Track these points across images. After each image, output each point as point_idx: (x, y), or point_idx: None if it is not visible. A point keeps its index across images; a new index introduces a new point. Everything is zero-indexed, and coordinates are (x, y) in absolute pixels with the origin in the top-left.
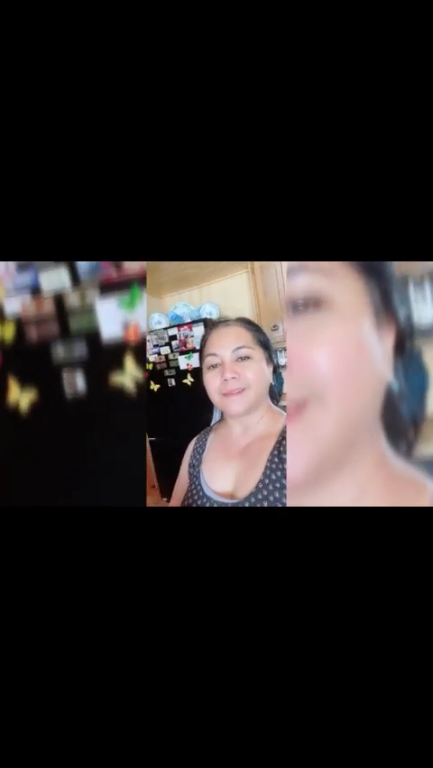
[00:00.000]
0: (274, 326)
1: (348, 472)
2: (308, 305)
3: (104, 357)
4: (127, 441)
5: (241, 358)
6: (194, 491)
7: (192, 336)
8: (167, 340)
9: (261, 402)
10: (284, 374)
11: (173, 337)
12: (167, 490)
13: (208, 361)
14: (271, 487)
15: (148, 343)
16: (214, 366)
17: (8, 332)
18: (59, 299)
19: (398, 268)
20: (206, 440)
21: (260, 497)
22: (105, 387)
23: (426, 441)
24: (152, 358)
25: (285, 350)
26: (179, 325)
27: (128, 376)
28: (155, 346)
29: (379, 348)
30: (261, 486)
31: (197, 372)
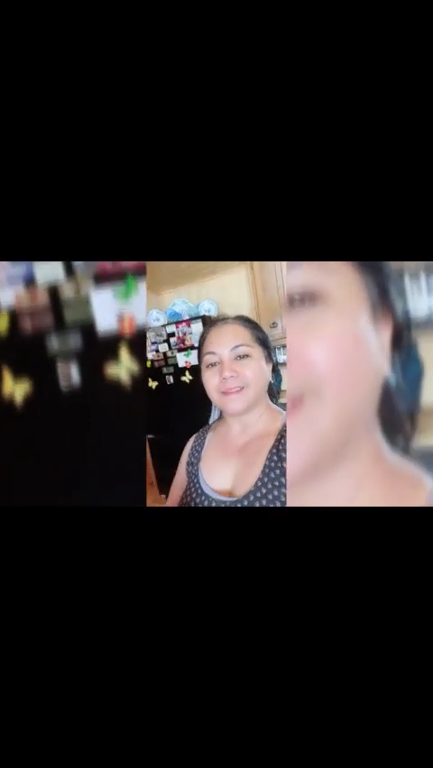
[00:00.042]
0: (273, 324)
1: (345, 467)
2: (304, 299)
3: (99, 349)
4: (127, 440)
5: (240, 356)
6: (192, 489)
7: (191, 333)
8: (165, 337)
9: (260, 400)
10: (283, 372)
11: (171, 334)
12: (165, 487)
13: (207, 359)
14: (269, 485)
15: (147, 340)
16: (212, 364)
17: (2, 323)
18: (53, 290)
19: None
20: (204, 438)
21: (258, 495)
22: (101, 379)
23: (422, 433)
24: (150, 355)
25: (284, 347)
26: (177, 322)
27: (123, 368)
28: (153, 343)
29: (376, 342)
30: (259, 484)
31: (195, 370)
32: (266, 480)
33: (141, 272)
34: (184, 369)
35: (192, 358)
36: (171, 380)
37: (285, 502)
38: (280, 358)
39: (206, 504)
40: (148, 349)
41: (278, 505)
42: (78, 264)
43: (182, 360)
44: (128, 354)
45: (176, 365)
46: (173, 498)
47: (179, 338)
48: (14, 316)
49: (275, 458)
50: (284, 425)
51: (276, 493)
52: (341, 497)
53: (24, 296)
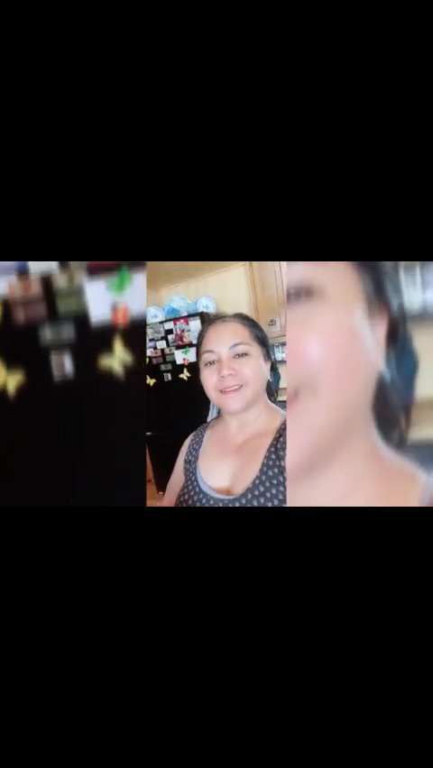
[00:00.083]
0: (271, 321)
1: (341, 461)
2: (300, 294)
3: (93, 339)
4: (126, 437)
5: (238, 354)
6: (190, 487)
7: (189, 330)
8: (163, 334)
9: (258, 399)
10: (281, 370)
11: (169, 331)
12: (163, 485)
13: (205, 357)
14: (267, 483)
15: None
16: (211, 363)
17: None
18: (46, 281)
19: None
20: (202, 436)
21: (256, 493)
22: (94, 370)
23: (416, 425)
24: (147, 352)
25: (283, 345)
26: (175, 319)
27: (117, 359)
28: (151, 340)
29: (371, 337)
30: (257, 482)
31: (193, 367)
32: (264, 478)
33: (136, 264)
34: (182, 366)
35: (190, 355)
36: (169, 377)
37: (283, 500)
38: (279, 356)
39: (204, 502)
40: (146, 345)
41: (276, 503)
42: None
43: (180, 357)
44: (122, 345)
45: (174, 362)
46: (170, 497)
47: (176, 335)
48: (7, 306)
49: (273, 456)
50: (282, 424)
51: (274, 491)
52: (337, 492)
53: (17, 285)
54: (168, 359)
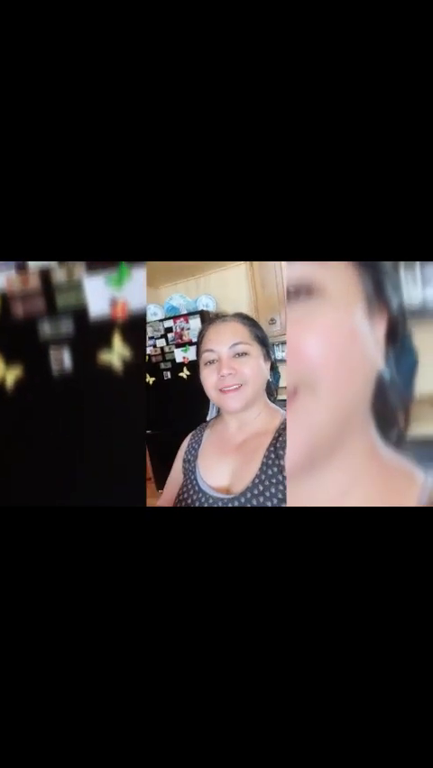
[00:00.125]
0: (272, 320)
1: (340, 460)
2: (300, 292)
3: (91, 334)
4: (125, 434)
5: (238, 354)
6: (189, 486)
7: (188, 329)
8: (162, 332)
9: (258, 398)
10: (281, 369)
11: (169, 329)
12: (162, 483)
13: (205, 356)
14: (267, 482)
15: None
16: (211, 362)
17: None
18: (45, 275)
19: None
20: (201, 435)
21: (256, 492)
22: (93, 365)
23: (415, 423)
24: (147, 350)
25: (283, 344)
26: (174, 317)
27: (116, 354)
28: (150, 338)
29: (371, 336)
30: (257, 481)
31: (193, 366)
32: (263, 477)
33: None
34: (182, 364)
35: (190, 354)
36: (169, 376)
37: (283, 499)
38: (279, 355)
39: (203, 500)
40: (146, 343)
41: (275, 502)
42: None
43: (180, 355)
44: (121, 340)
45: (173, 360)
46: (168, 497)
47: (176, 333)
48: (6, 301)
49: (273, 455)
50: (282, 424)
51: (273, 490)
52: (336, 490)
53: (16, 280)
54: (167, 357)
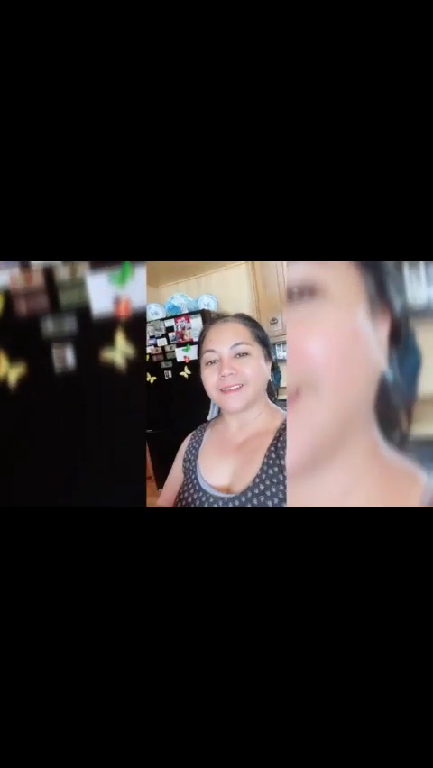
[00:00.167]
0: (273, 320)
1: (342, 460)
2: (302, 293)
3: (94, 332)
4: (126, 434)
5: (239, 354)
6: (190, 485)
7: (189, 328)
8: (164, 331)
9: (258, 398)
10: (282, 369)
11: (170, 329)
12: (163, 482)
13: (206, 356)
14: (267, 482)
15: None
16: (212, 362)
17: None
18: (48, 273)
19: None
20: (202, 435)
21: (256, 491)
22: (96, 362)
23: (418, 422)
24: (148, 349)
25: (284, 344)
26: (176, 317)
27: (119, 352)
28: (151, 337)
29: (373, 337)
30: (257, 481)
31: (194, 365)
32: (264, 476)
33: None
34: (183, 364)
35: (191, 353)
36: (170, 375)
37: (283, 498)
38: (280, 355)
39: (203, 500)
40: (146, 342)
41: (276, 501)
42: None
43: (181, 355)
44: (124, 338)
45: (174, 359)
46: (168, 496)
47: (177, 333)
48: (9, 298)
49: (273, 455)
50: (282, 424)
51: (274, 490)
52: (337, 490)
53: (19, 277)
54: (168, 356)
